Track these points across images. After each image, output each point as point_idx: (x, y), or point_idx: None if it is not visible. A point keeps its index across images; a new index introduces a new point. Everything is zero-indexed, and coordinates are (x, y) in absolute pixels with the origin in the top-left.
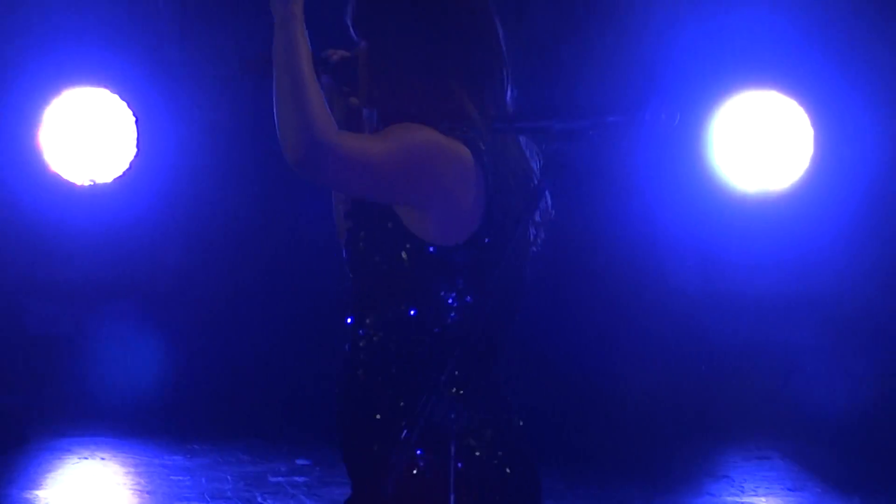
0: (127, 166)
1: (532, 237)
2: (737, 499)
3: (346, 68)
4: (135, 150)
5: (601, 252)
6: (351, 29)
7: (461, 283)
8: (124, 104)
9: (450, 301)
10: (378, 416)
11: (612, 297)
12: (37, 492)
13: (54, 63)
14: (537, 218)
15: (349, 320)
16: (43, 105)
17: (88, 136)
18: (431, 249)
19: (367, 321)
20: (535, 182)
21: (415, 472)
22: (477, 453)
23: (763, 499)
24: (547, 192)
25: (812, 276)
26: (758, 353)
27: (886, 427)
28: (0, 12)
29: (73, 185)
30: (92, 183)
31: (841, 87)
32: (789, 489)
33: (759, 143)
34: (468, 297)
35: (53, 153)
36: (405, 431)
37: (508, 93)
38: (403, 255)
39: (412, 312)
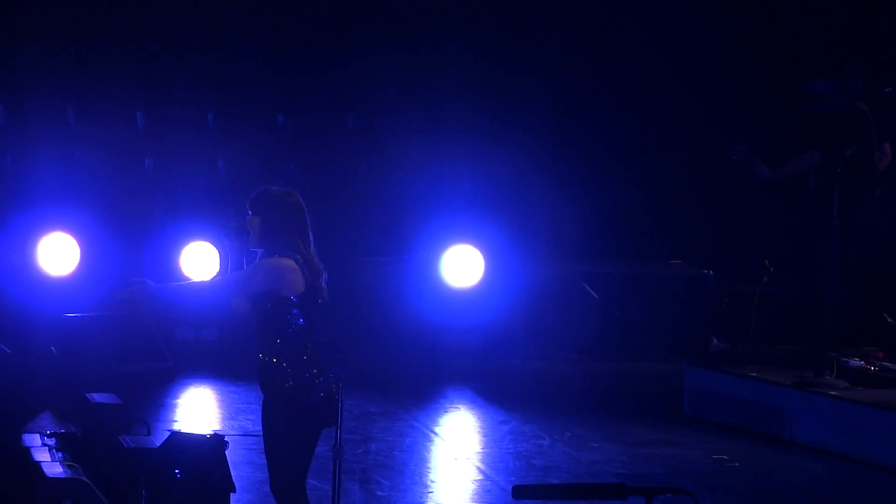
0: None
1: (323, 293)
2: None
3: (243, 228)
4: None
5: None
6: (249, 211)
7: (297, 312)
8: None
9: (300, 321)
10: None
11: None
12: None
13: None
14: (324, 285)
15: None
16: None
17: None
18: (292, 298)
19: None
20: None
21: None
22: (318, 381)
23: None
24: (325, 274)
25: (485, 331)
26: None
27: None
28: None
29: None
30: None
31: (498, 239)
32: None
33: (460, 266)
34: (301, 319)
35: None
36: (307, 373)
37: (311, 238)
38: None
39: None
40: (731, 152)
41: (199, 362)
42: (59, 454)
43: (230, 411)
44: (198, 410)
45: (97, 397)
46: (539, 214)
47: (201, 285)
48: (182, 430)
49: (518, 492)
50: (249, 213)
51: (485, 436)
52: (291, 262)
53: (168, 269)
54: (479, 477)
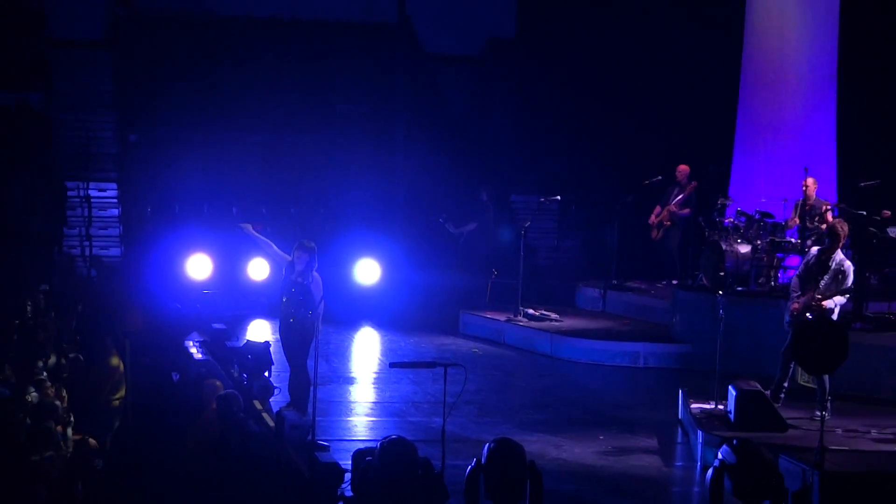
0: None
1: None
2: None
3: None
4: None
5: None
6: (299, 250)
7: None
8: None
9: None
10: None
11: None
12: None
13: None
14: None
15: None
16: None
17: None
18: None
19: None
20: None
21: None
22: (309, 316)
23: None
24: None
25: (374, 301)
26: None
27: None
28: None
29: None
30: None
31: (390, 254)
32: None
33: (366, 271)
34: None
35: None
36: (307, 312)
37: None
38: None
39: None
40: (438, 216)
41: (258, 310)
42: (200, 349)
43: (273, 331)
44: (258, 331)
45: (216, 325)
46: (409, 238)
47: (277, 256)
48: (251, 340)
49: (392, 364)
50: (299, 251)
51: (378, 341)
52: (318, 277)
53: (235, 274)
54: (376, 358)
